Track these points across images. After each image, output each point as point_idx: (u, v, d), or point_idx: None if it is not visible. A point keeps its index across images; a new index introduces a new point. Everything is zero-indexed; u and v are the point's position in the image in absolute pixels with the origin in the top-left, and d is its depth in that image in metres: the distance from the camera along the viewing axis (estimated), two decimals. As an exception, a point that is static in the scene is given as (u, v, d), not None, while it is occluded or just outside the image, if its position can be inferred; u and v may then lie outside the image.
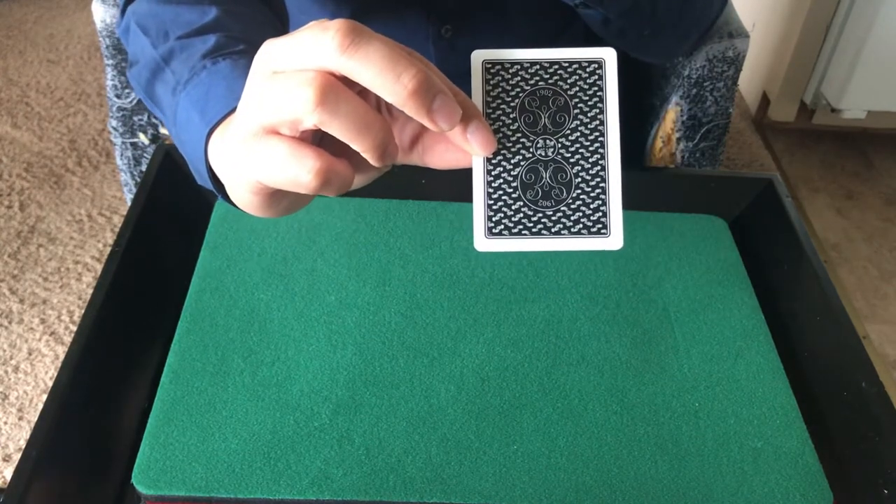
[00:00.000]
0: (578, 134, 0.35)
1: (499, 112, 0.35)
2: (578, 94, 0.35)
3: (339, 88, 0.30)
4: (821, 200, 1.77)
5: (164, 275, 0.62)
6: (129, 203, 0.89)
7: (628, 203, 0.67)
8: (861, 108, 1.77)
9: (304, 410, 0.51)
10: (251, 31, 0.48)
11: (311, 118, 0.30)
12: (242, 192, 0.35)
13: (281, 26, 0.58)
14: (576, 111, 0.35)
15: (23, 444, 1.20)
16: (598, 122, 0.35)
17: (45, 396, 1.00)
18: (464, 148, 0.34)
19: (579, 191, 0.34)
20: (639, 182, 0.70)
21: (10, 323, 1.36)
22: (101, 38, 0.85)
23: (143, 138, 0.93)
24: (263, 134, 0.32)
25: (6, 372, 1.29)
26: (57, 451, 0.46)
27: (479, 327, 0.57)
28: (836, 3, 1.67)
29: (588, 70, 0.35)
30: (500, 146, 0.34)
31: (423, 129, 0.36)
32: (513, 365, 0.55)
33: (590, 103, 0.35)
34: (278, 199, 0.36)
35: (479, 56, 0.35)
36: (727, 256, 0.65)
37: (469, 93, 0.34)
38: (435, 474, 0.48)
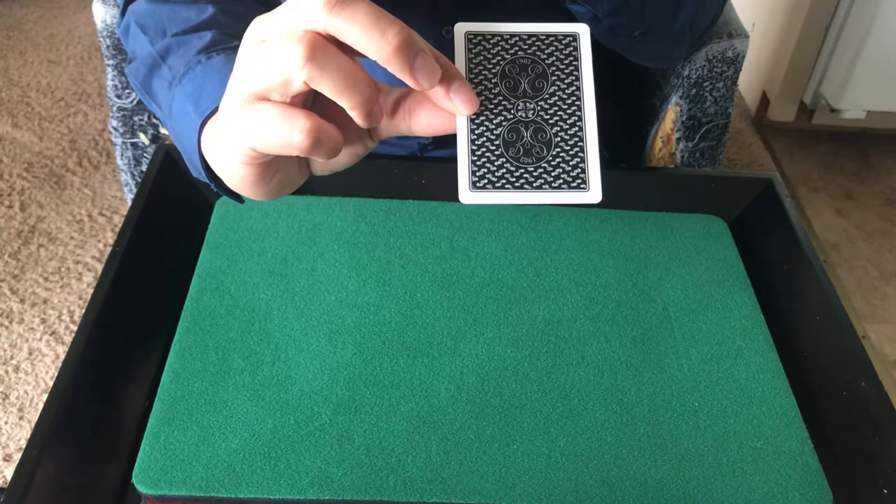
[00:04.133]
0: (556, 98, 0.37)
1: (481, 77, 0.36)
2: (556, 63, 0.37)
3: (326, 45, 0.31)
4: (820, 200, 1.77)
5: (165, 275, 0.62)
6: (129, 203, 0.89)
7: (628, 203, 0.68)
8: (861, 108, 1.77)
9: (304, 410, 0.51)
10: (246, 28, 0.50)
11: (301, 74, 0.30)
12: (235, 164, 0.36)
13: None
14: (553, 78, 0.37)
15: (23, 443, 1.20)
16: (574, 87, 0.37)
17: (45, 396, 1.00)
18: (447, 108, 0.35)
19: (559, 149, 0.36)
20: (639, 182, 0.70)
21: (10, 323, 1.36)
22: (101, 39, 0.86)
23: (143, 138, 0.93)
24: (255, 100, 0.32)
25: (7, 372, 1.29)
26: (57, 451, 0.46)
27: (479, 327, 0.57)
28: (836, 3, 1.67)
29: (564, 42, 0.37)
30: (483, 107, 0.36)
31: (406, 95, 0.36)
32: (513, 365, 0.55)
33: (566, 71, 0.37)
34: (271, 172, 0.37)
35: (461, 28, 0.37)
36: (727, 256, 0.65)
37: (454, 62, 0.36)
38: (435, 474, 0.48)
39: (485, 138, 0.36)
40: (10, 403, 1.25)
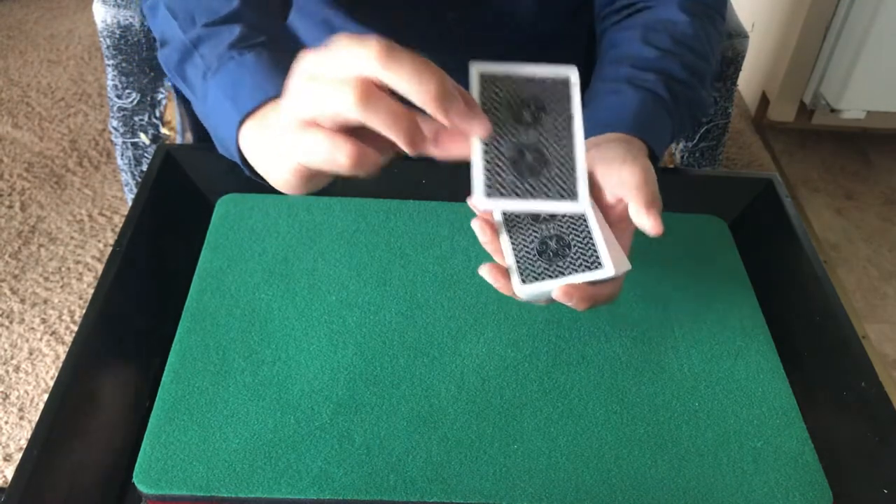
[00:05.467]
0: (552, 127, 0.45)
1: (492, 109, 0.44)
2: (552, 98, 0.45)
3: (375, 90, 0.37)
4: (820, 200, 1.77)
5: (165, 274, 0.62)
6: (129, 203, 0.89)
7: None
8: (860, 108, 1.77)
9: (304, 410, 0.51)
10: (267, 21, 0.57)
11: (354, 113, 0.36)
12: (283, 173, 0.42)
13: (284, 10, 0.67)
14: (550, 110, 0.45)
15: (24, 443, 1.20)
16: (566, 119, 0.45)
17: (45, 396, 1.00)
18: (465, 131, 0.41)
19: (554, 168, 0.45)
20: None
21: (11, 323, 1.36)
22: (101, 39, 0.86)
23: (143, 138, 0.93)
24: (306, 125, 0.38)
25: (7, 371, 1.29)
26: (58, 451, 0.46)
27: (480, 327, 0.57)
28: (836, 3, 1.67)
29: (559, 83, 0.45)
30: (493, 133, 0.44)
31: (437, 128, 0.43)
32: (513, 365, 0.55)
33: (561, 105, 0.45)
34: (312, 178, 0.43)
35: (477, 68, 0.44)
36: (727, 256, 0.65)
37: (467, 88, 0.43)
38: (435, 474, 0.48)
39: (494, 156, 0.44)
40: (10, 403, 1.25)
